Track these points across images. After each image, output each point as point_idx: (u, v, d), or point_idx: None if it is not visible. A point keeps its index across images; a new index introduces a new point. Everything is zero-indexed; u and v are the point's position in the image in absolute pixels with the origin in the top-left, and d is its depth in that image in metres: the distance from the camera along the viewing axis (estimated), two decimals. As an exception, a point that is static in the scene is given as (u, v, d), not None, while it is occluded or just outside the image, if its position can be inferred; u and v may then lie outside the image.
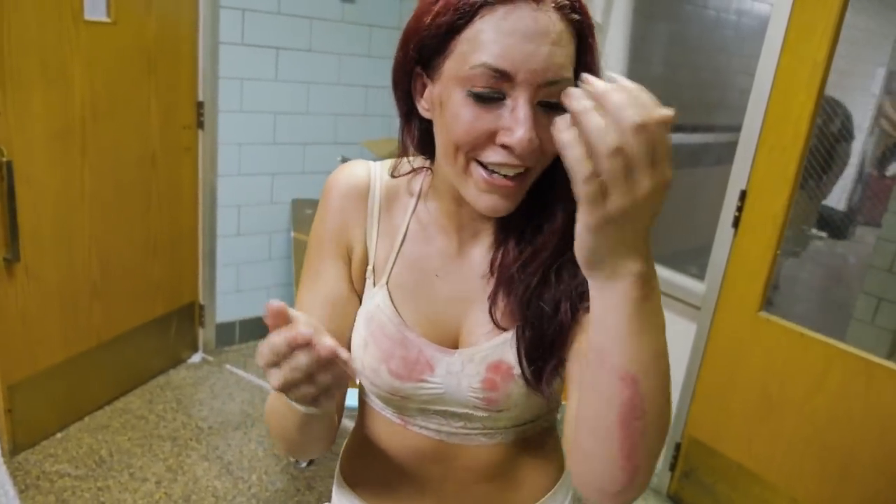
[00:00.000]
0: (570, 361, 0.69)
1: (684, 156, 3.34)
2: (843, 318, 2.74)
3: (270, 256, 2.93)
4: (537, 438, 0.81)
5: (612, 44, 2.45)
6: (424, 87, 0.67)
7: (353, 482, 0.86)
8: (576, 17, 0.61)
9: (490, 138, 0.61)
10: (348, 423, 0.86)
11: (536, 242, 0.70)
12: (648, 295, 0.52)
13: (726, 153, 2.03)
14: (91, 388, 2.35)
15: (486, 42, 0.59)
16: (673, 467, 2.26)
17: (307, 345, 0.50)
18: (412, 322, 0.75)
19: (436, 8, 0.62)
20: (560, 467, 0.87)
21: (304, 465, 2.17)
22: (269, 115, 2.73)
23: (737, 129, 2.00)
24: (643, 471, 0.56)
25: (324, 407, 0.56)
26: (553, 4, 0.59)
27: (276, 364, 0.51)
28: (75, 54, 2.02)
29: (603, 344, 0.54)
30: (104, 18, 2.11)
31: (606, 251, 0.50)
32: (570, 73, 0.61)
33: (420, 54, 0.65)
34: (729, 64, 3.51)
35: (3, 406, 2.02)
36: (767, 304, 2.00)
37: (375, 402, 0.80)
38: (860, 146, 3.74)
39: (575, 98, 0.47)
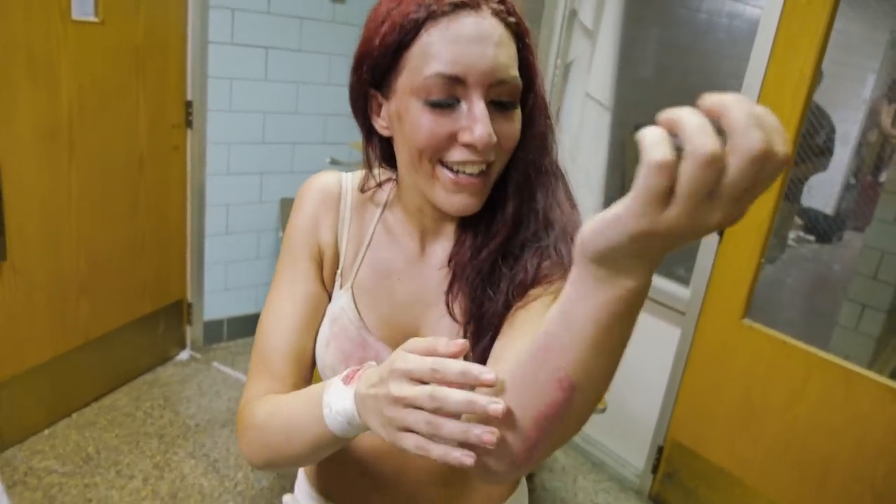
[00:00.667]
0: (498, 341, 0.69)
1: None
2: (828, 324, 2.77)
3: (258, 255, 2.94)
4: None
5: (602, 48, 2.46)
6: (380, 106, 0.71)
7: (313, 478, 0.90)
8: (512, 20, 0.66)
9: (451, 140, 0.65)
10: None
11: (489, 232, 0.73)
12: (630, 312, 0.46)
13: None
14: (78, 386, 2.36)
15: (435, 53, 0.63)
16: (655, 469, 2.29)
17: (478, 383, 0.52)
18: (373, 325, 0.78)
19: (383, 29, 0.66)
20: (517, 478, 0.88)
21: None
22: (259, 114, 2.73)
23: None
24: (534, 461, 0.56)
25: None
26: (490, 10, 0.64)
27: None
28: (62, 54, 2.01)
29: (557, 339, 0.49)
30: (92, 18, 2.10)
31: (621, 255, 0.42)
32: (515, 72, 0.66)
33: (373, 76, 0.69)
34: (720, 67, 3.53)
35: (-10, 404, 2.03)
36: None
37: None
38: (850, 151, 3.78)
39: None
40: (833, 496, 1.82)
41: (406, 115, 0.66)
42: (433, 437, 0.53)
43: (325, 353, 0.78)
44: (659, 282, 2.26)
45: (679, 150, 0.37)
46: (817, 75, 1.80)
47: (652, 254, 0.42)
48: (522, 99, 0.69)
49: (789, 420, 1.90)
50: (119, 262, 2.41)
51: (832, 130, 2.66)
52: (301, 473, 0.94)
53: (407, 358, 0.54)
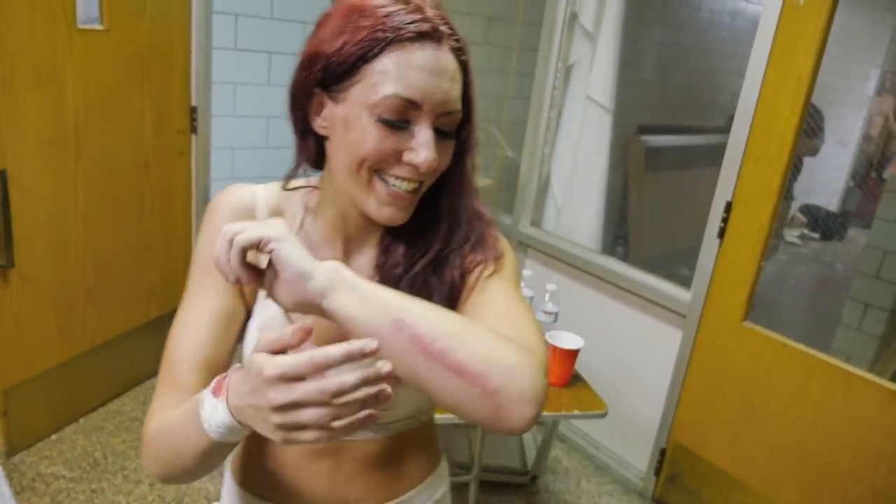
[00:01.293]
0: None
1: (675, 158, 3.36)
2: (831, 323, 2.77)
3: (264, 258, 2.96)
4: (419, 430, 0.87)
5: (603, 51, 2.46)
6: (322, 106, 0.73)
7: (243, 480, 0.88)
8: (464, 58, 0.72)
9: (395, 156, 0.69)
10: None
11: (421, 246, 0.78)
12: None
13: (718, 155, 2.05)
14: (85, 391, 2.38)
15: (398, 75, 0.66)
16: (658, 472, 2.30)
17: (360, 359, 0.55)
18: None
19: (344, 37, 0.68)
20: (437, 455, 0.94)
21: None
22: (262, 119, 2.75)
23: (728, 131, 2.01)
24: (495, 387, 0.59)
25: (337, 437, 0.56)
26: (449, 46, 0.69)
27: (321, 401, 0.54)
28: (68, 61, 2.03)
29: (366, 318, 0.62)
30: (97, 26, 2.12)
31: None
32: (460, 106, 0.72)
33: (324, 77, 0.70)
34: (722, 65, 3.53)
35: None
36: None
37: None
38: (854, 148, 3.77)
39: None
40: (834, 498, 1.83)
41: (355, 124, 0.69)
42: (335, 419, 0.55)
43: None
44: (660, 284, 2.27)
45: None
46: (816, 75, 1.80)
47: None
48: (458, 128, 0.74)
49: (790, 422, 1.91)
50: (125, 267, 2.43)
51: (820, 116, 2.65)
52: (227, 473, 0.92)
53: (275, 361, 0.54)
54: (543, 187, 2.78)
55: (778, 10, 1.82)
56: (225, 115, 2.65)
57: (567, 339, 1.89)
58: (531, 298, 2.12)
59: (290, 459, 0.83)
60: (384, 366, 0.56)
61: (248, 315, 0.80)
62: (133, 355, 2.55)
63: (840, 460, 1.81)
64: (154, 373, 2.67)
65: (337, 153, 0.72)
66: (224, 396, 0.61)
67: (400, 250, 0.78)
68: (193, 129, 2.58)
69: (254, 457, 0.85)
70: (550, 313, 2.05)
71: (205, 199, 2.68)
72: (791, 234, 3.48)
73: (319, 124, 0.73)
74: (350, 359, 0.55)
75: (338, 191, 0.76)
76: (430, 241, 0.78)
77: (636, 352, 2.38)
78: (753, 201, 1.94)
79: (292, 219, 0.81)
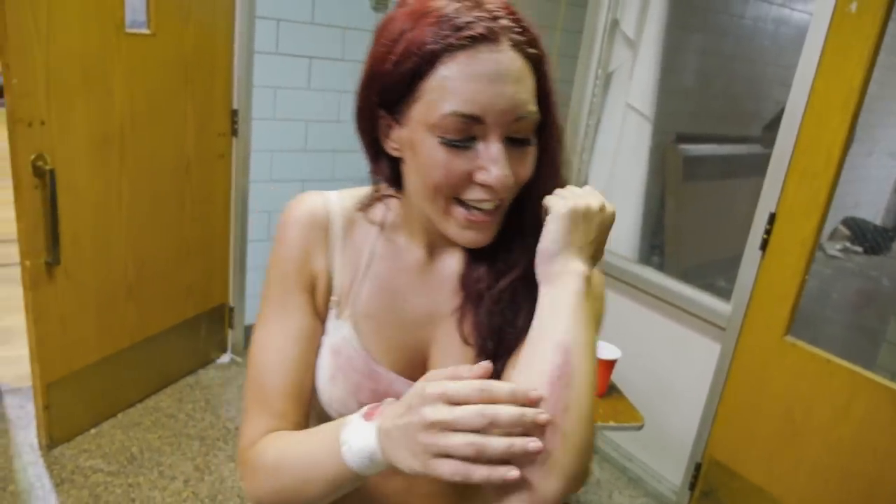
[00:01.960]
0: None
1: (715, 167, 3.30)
2: (876, 340, 2.69)
3: (299, 261, 2.99)
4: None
5: (644, 58, 2.43)
6: (390, 127, 0.68)
7: None
8: (532, 51, 0.64)
9: (467, 178, 0.64)
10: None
11: (507, 261, 0.72)
12: (584, 290, 0.64)
13: (758, 165, 2.01)
14: (124, 387, 2.43)
15: (452, 90, 0.61)
16: (692, 486, 2.25)
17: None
18: (380, 354, 0.75)
19: (395, 56, 0.63)
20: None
21: None
22: (301, 122, 2.78)
23: (769, 141, 1.97)
24: (553, 460, 0.56)
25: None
26: (510, 43, 0.62)
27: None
28: (116, 65, 2.08)
29: (546, 321, 0.63)
30: (144, 30, 2.17)
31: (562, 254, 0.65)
32: (534, 106, 0.64)
33: (382, 98, 0.66)
34: (765, 74, 3.46)
35: (42, 402, 2.11)
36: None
37: None
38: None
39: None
40: (879, 521, 1.77)
41: (420, 148, 0.64)
42: (476, 458, 0.54)
43: (332, 388, 0.75)
44: (699, 296, 2.23)
45: None
46: (867, 85, 1.75)
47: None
48: (538, 129, 0.68)
49: (833, 441, 1.85)
50: (165, 266, 2.48)
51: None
52: None
53: (441, 382, 0.56)
54: (580, 195, 2.75)
55: (829, 17, 1.77)
56: (265, 119, 2.68)
57: (604, 350, 1.86)
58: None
59: (361, 489, 0.79)
60: (542, 413, 0.56)
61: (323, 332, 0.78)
62: (170, 353, 2.60)
63: (885, 481, 1.75)
64: (191, 370, 2.72)
65: (411, 178, 0.69)
66: (375, 420, 0.60)
67: (484, 264, 0.73)
68: (234, 132, 2.62)
69: None
70: (586, 323, 2.03)
71: (243, 201, 2.72)
72: (833, 248, 3.39)
73: (391, 146, 0.69)
74: (514, 399, 0.55)
75: (420, 211, 0.72)
76: (516, 257, 0.72)
77: (673, 364, 2.34)
78: (798, 214, 1.89)
79: (369, 227, 0.77)
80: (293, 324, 0.74)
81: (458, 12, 0.61)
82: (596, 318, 0.72)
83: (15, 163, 1.85)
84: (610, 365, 1.85)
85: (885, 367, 2.57)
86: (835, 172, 1.80)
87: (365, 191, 0.78)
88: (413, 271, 0.77)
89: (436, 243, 0.76)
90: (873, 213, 3.59)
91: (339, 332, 0.75)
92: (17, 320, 2.20)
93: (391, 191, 0.76)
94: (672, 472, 2.36)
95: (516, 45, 0.62)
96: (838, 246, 3.42)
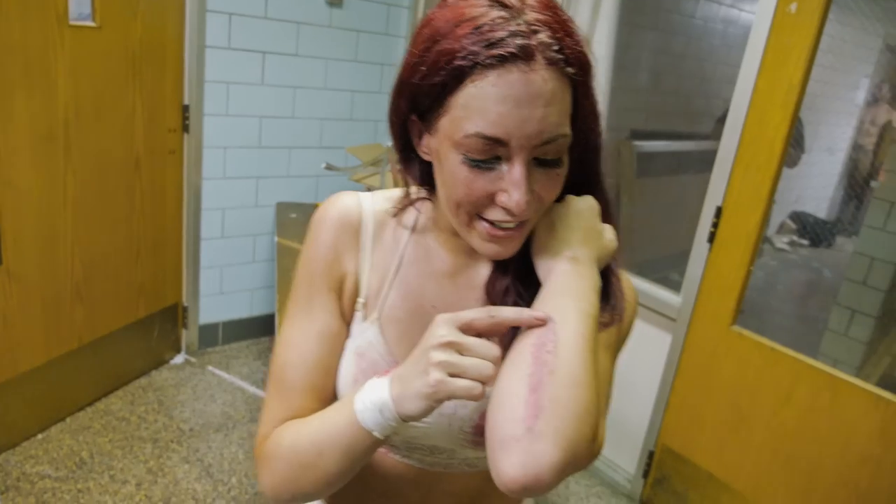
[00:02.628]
0: None
1: (667, 163, 3.38)
2: (819, 328, 2.80)
3: (254, 259, 2.95)
4: None
5: (596, 54, 2.47)
6: (422, 133, 0.67)
7: None
8: (570, 70, 0.60)
9: (489, 198, 0.63)
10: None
11: (532, 275, 0.70)
12: (574, 269, 0.65)
13: (708, 161, 2.07)
14: (73, 390, 2.37)
15: (478, 110, 0.58)
16: (646, 474, 2.31)
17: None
18: (405, 359, 0.74)
19: (425, 66, 0.61)
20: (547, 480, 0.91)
21: None
22: (255, 118, 2.74)
23: (717, 137, 2.03)
24: (545, 423, 0.55)
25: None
26: (545, 62, 0.58)
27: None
28: (59, 58, 2.02)
29: (537, 303, 0.64)
30: (89, 23, 2.11)
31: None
32: (566, 128, 0.61)
33: (413, 105, 0.65)
34: (714, 73, 3.55)
35: (-16, 407, 2.04)
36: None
37: None
38: (844, 156, 3.80)
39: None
40: (819, 501, 1.84)
41: (445, 162, 0.63)
42: (491, 328, 0.60)
43: (354, 391, 0.72)
44: (651, 288, 2.29)
45: None
46: (807, 83, 1.82)
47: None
48: (581, 145, 0.66)
49: (776, 426, 1.92)
50: (114, 265, 2.41)
51: (800, 125, 2.69)
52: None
53: (455, 313, 0.60)
54: (535, 190, 2.79)
55: (770, 17, 1.83)
56: (218, 115, 2.64)
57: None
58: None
59: (380, 486, 0.80)
60: (539, 314, 0.61)
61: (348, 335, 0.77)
62: (121, 354, 2.54)
63: (825, 463, 1.82)
64: (142, 372, 2.66)
65: (440, 185, 0.67)
66: (389, 375, 0.62)
67: (510, 274, 0.72)
68: (185, 128, 2.57)
69: (349, 481, 0.80)
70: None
71: (196, 198, 2.67)
72: (781, 241, 3.51)
73: (423, 151, 0.68)
74: (520, 321, 0.60)
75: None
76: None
77: (625, 355, 2.37)
78: (743, 207, 1.95)
79: (401, 232, 0.77)
80: (317, 324, 0.74)
81: (494, 24, 0.58)
82: (630, 312, 0.77)
83: (-49, 159, 1.79)
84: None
85: (827, 355, 2.68)
86: (777, 167, 1.86)
87: (397, 193, 0.77)
88: (442, 277, 0.76)
89: (466, 250, 0.75)
90: (818, 208, 3.73)
91: (364, 336, 0.75)
92: (-43, 323, 2.12)
93: (423, 194, 0.75)
94: (626, 460, 2.41)
95: (553, 63, 0.58)
96: (785, 239, 3.55)
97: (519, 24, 0.58)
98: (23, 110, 1.95)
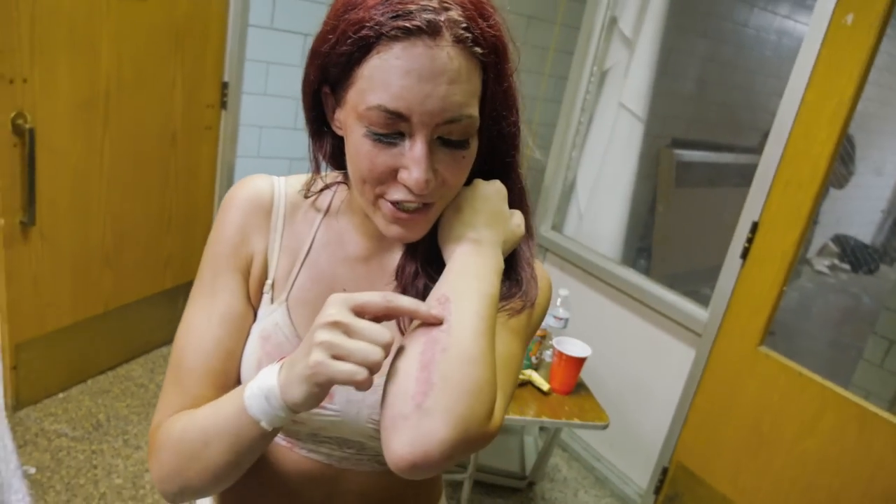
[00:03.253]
0: None
1: (706, 174, 3.29)
2: (853, 357, 2.70)
3: (282, 239, 2.97)
4: None
5: (640, 58, 2.42)
6: (335, 107, 0.66)
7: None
8: (478, 50, 0.59)
9: (391, 175, 0.62)
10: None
11: (442, 259, 0.69)
12: (476, 250, 0.64)
13: (750, 175, 1.99)
14: (96, 353, 2.41)
15: (381, 82, 0.58)
16: (658, 490, 2.25)
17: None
18: None
19: (334, 36, 0.60)
20: (440, 491, 0.88)
21: None
22: (292, 100, 2.75)
23: (761, 151, 1.95)
24: (434, 400, 0.53)
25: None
26: (452, 39, 0.57)
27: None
28: (104, 26, 2.05)
29: (437, 284, 0.63)
30: (136, -6, 2.14)
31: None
32: (471, 109, 0.60)
33: (325, 76, 0.64)
34: (764, 85, 3.44)
35: (10, 362, 2.09)
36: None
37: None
38: (892, 180, 3.65)
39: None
40: (837, 536, 1.77)
41: (351, 136, 0.62)
42: (387, 311, 0.57)
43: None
44: (677, 301, 2.23)
45: None
46: (858, 100, 1.74)
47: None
48: (489, 130, 0.65)
49: (798, 454, 1.85)
50: (144, 236, 2.45)
51: (852, 146, 2.58)
52: (211, 501, 0.83)
53: (351, 293, 0.56)
54: (568, 192, 2.74)
55: (824, 28, 1.76)
56: (256, 94, 2.65)
57: (575, 347, 1.86)
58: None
59: (280, 483, 0.77)
60: (436, 310, 0.58)
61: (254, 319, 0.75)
62: (145, 322, 2.58)
63: (846, 498, 1.75)
64: (165, 341, 2.70)
65: (348, 161, 0.66)
66: (283, 362, 0.59)
67: (419, 259, 0.71)
68: (223, 105, 2.59)
69: (246, 476, 0.73)
70: (561, 318, 2.02)
71: (229, 175, 2.69)
72: (821, 263, 3.39)
73: (336, 126, 0.67)
74: (416, 314, 0.58)
75: None
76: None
77: (646, 366, 2.34)
78: (781, 224, 1.88)
79: (314, 215, 0.75)
80: (220, 306, 0.71)
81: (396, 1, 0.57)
82: (542, 300, 0.74)
83: (-7, 119, 1.83)
84: (579, 362, 1.84)
85: (860, 385, 2.58)
86: (819, 185, 1.79)
87: (312, 181, 0.75)
88: (355, 261, 0.75)
89: (378, 234, 0.73)
90: (865, 233, 3.59)
91: (270, 318, 0.72)
92: (-10, 279, 2.18)
93: (339, 178, 0.75)
94: (639, 474, 2.36)
95: (460, 41, 0.58)
96: (826, 262, 3.42)
97: (430, 0, 0.57)
98: (65, 76, 1.98)
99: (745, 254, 1.98)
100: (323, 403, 0.69)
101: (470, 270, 0.63)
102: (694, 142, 3.25)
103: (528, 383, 1.89)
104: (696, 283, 3.01)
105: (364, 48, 0.58)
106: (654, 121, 2.54)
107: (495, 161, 0.70)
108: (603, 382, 2.33)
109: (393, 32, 0.56)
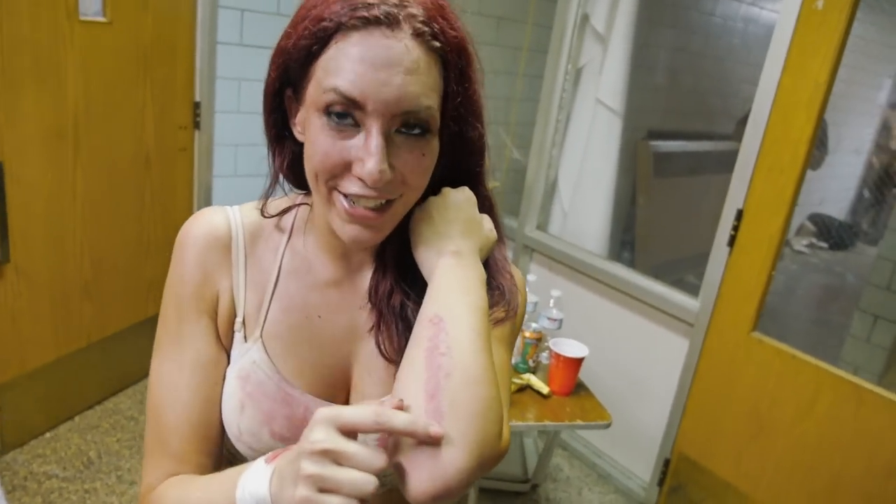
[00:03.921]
0: None
1: (684, 163, 3.32)
2: (840, 334, 2.73)
3: (265, 257, 2.92)
4: None
5: (613, 54, 2.42)
6: (296, 110, 0.65)
7: None
8: (436, 44, 0.58)
9: (346, 168, 0.59)
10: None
11: (416, 272, 0.67)
12: (458, 263, 0.63)
13: (727, 162, 2.01)
14: (81, 389, 2.35)
15: (337, 68, 0.57)
16: (661, 482, 2.26)
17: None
18: (294, 376, 0.69)
19: (296, 33, 0.60)
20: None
21: None
22: (267, 116, 2.71)
23: (737, 138, 1.97)
24: (447, 429, 0.53)
25: None
26: (411, 31, 0.57)
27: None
28: (69, 53, 2.00)
29: (425, 304, 0.61)
30: (100, 18, 2.09)
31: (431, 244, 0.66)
32: (430, 101, 0.59)
33: (287, 77, 0.63)
34: (733, 72, 3.48)
35: (-8, 405, 2.03)
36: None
37: None
38: (865, 158, 3.72)
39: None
40: (843, 515, 1.79)
41: (309, 132, 0.61)
42: (378, 434, 0.53)
43: (241, 419, 0.68)
44: (667, 292, 2.23)
45: None
46: (833, 82, 1.76)
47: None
48: (450, 131, 0.63)
49: (798, 436, 1.86)
50: (124, 263, 2.40)
51: (824, 124, 2.62)
52: None
53: (338, 407, 0.51)
54: (550, 191, 2.74)
55: (795, 14, 1.77)
56: (229, 112, 2.61)
57: (572, 347, 1.85)
58: (535, 304, 2.08)
59: None
60: (434, 427, 0.53)
61: (228, 361, 0.71)
62: (130, 353, 2.52)
63: (849, 476, 1.76)
64: (151, 371, 2.64)
65: (305, 162, 0.64)
66: (274, 463, 0.55)
67: (390, 277, 0.69)
68: (196, 125, 2.55)
69: None
70: (555, 320, 2.02)
71: (206, 196, 2.65)
72: (799, 243, 3.44)
73: (297, 130, 0.65)
74: (413, 426, 0.52)
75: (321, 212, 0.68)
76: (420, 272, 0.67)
77: (641, 360, 2.34)
78: (765, 210, 1.89)
79: (277, 241, 0.72)
80: (189, 353, 0.68)
81: None
82: (521, 303, 0.73)
83: (-40, 155, 1.77)
84: (578, 363, 1.83)
85: (848, 361, 2.61)
86: (801, 168, 1.80)
87: (271, 199, 0.72)
88: (325, 287, 0.71)
89: (349, 254, 0.71)
90: (839, 210, 3.65)
91: (247, 357, 0.69)
92: (-34, 320, 2.11)
93: (300, 198, 0.73)
94: (641, 468, 2.36)
95: (418, 35, 0.57)
96: (804, 241, 3.48)
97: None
98: (32, 106, 1.93)
99: (731, 241, 1.99)
100: None
101: (457, 285, 0.62)
102: (669, 132, 3.28)
103: (527, 387, 1.88)
104: (680, 272, 3.03)
105: (323, 40, 0.58)
106: (630, 114, 2.55)
107: (460, 171, 0.69)
108: (599, 379, 2.33)
109: (352, 22, 0.56)
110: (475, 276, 0.63)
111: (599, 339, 2.38)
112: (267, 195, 0.71)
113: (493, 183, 2.86)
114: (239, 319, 0.70)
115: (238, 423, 0.68)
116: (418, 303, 0.65)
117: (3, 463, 2.06)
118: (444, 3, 0.61)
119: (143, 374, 2.62)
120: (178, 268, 0.69)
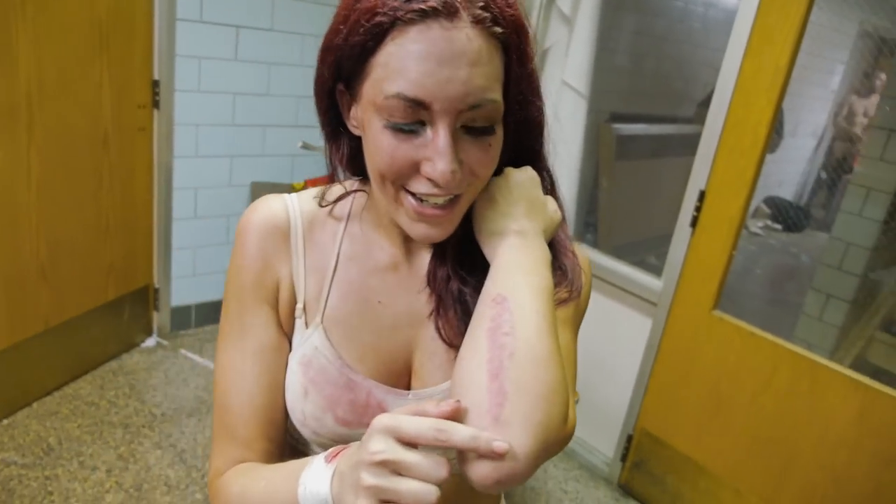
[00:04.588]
0: None
1: (647, 146, 3.37)
2: (794, 312, 2.83)
3: (228, 240, 2.87)
4: None
5: (579, 36, 2.43)
6: (350, 104, 0.63)
7: None
8: (498, 29, 0.56)
9: (414, 168, 0.58)
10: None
11: (473, 258, 0.67)
12: (522, 243, 0.62)
13: (688, 144, 2.05)
14: (39, 374, 2.29)
15: (398, 69, 0.54)
16: (624, 458, 2.32)
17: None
18: (356, 361, 0.69)
19: (346, 27, 0.57)
20: (498, 496, 0.86)
21: None
22: (228, 95, 2.65)
23: (698, 121, 2.01)
24: (511, 410, 0.52)
25: None
26: (471, 19, 0.54)
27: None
28: (21, 29, 1.92)
29: (487, 283, 0.61)
30: (52, -9, 2.00)
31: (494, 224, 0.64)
32: (495, 94, 0.57)
33: (339, 73, 0.61)
34: (694, 56, 3.54)
35: (-55, 393, 1.96)
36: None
37: (315, 450, 0.74)
38: (817, 142, 3.83)
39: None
40: (796, 484, 1.86)
41: (369, 130, 0.59)
42: (439, 447, 0.50)
43: (305, 404, 0.68)
44: (631, 273, 2.27)
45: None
46: (793, 67, 1.80)
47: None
48: (514, 115, 0.62)
49: (756, 410, 1.93)
50: (82, 245, 2.33)
51: (781, 109, 2.71)
52: None
53: (398, 417, 0.50)
54: (516, 173, 2.75)
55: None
56: (189, 91, 2.54)
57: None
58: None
59: None
60: (499, 441, 0.51)
61: (290, 347, 0.72)
62: (91, 337, 2.46)
63: (803, 448, 1.84)
64: (113, 355, 2.59)
65: (367, 159, 0.63)
66: (336, 462, 0.55)
67: (449, 262, 0.68)
68: (156, 104, 2.48)
69: None
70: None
71: (167, 177, 2.58)
72: (755, 225, 3.54)
73: (352, 125, 0.64)
74: (475, 442, 0.50)
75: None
76: (482, 254, 0.66)
77: (605, 339, 2.39)
78: (727, 191, 1.94)
79: (334, 227, 0.72)
80: (253, 341, 0.69)
81: None
82: (586, 285, 0.72)
83: None
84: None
85: (803, 339, 2.71)
86: (761, 151, 1.85)
87: (328, 188, 0.72)
88: (386, 270, 0.71)
89: (408, 238, 0.70)
90: (788, 192, 3.77)
91: (308, 343, 0.69)
92: (-86, 305, 2.03)
93: (356, 185, 0.72)
94: (605, 444, 2.42)
95: (479, 22, 0.55)
96: (760, 223, 3.58)
97: None
98: (-19, 82, 1.85)
99: (693, 222, 2.03)
100: None
101: (520, 265, 0.60)
102: (632, 115, 3.32)
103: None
104: (643, 253, 3.09)
105: (378, 36, 0.55)
106: (595, 97, 2.57)
107: (522, 149, 0.67)
108: (565, 358, 2.37)
109: (408, 16, 0.53)
110: (540, 256, 0.62)
111: (565, 319, 2.42)
112: (325, 192, 0.71)
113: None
114: (300, 306, 0.70)
115: (302, 408, 0.69)
116: (477, 289, 0.63)
117: (-43, 452, 2.00)
118: None
119: (105, 358, 2.56)
120: (239, 256, 0.69)
